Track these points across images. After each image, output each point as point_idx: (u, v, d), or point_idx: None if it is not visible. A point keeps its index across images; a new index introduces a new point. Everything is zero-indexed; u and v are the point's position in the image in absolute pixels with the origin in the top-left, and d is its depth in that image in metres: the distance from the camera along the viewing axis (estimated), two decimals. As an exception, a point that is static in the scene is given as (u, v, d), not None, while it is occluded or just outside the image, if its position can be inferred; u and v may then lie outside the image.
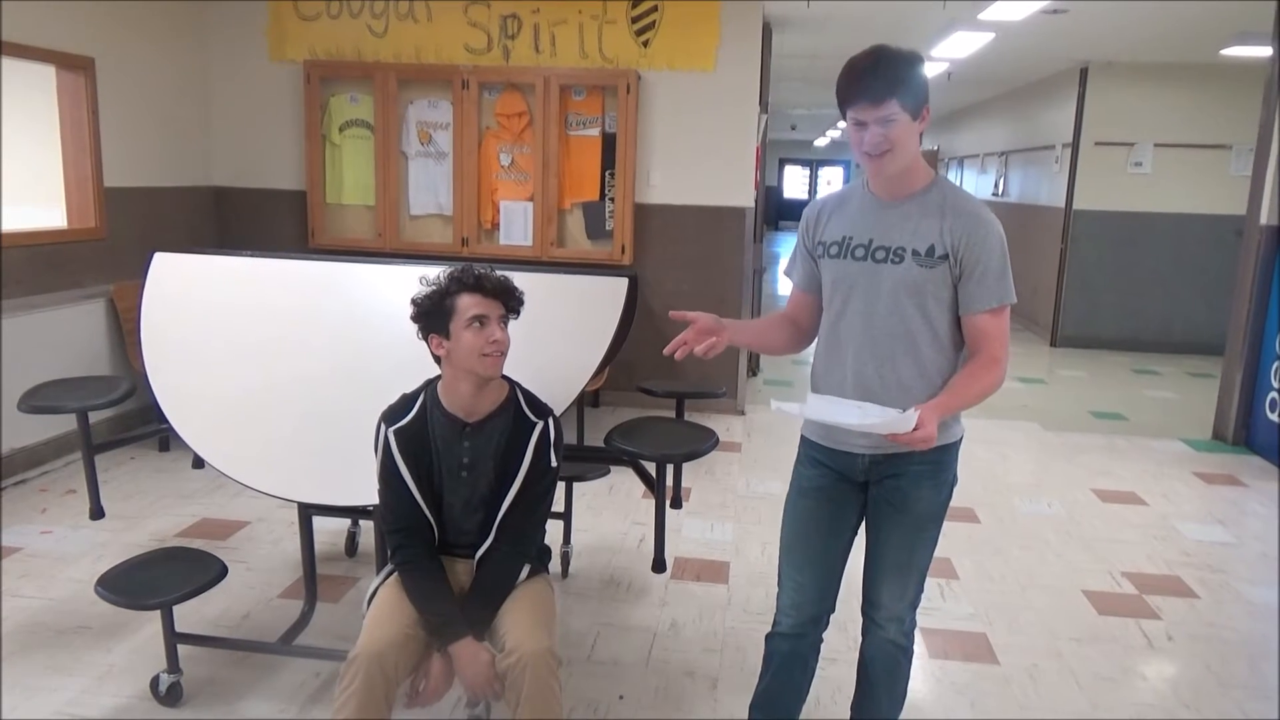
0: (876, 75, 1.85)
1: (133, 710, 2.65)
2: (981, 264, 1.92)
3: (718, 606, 3.38)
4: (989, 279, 1.93)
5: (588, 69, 5.67)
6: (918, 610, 2.19)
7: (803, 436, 2.21)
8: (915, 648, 2.23)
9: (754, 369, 7.12)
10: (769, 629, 2.28)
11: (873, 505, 2.12)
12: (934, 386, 1.97)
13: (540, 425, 2.26)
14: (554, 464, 2.28)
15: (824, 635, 2.26)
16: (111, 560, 3.14)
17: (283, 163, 6.00)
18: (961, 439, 2.10)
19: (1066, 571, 3.79)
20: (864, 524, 2.17)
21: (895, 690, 2.22)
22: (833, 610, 2.23)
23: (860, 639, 2.23)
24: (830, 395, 2.02)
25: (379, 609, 2.19)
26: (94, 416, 3.09)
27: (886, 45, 1.90)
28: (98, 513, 3.10)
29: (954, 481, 2.10)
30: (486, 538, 2.24)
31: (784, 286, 10.34)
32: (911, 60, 1.88)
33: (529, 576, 2.28)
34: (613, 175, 5.75)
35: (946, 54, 7.85)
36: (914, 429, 1.78)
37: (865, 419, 1.87)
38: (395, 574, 2.26)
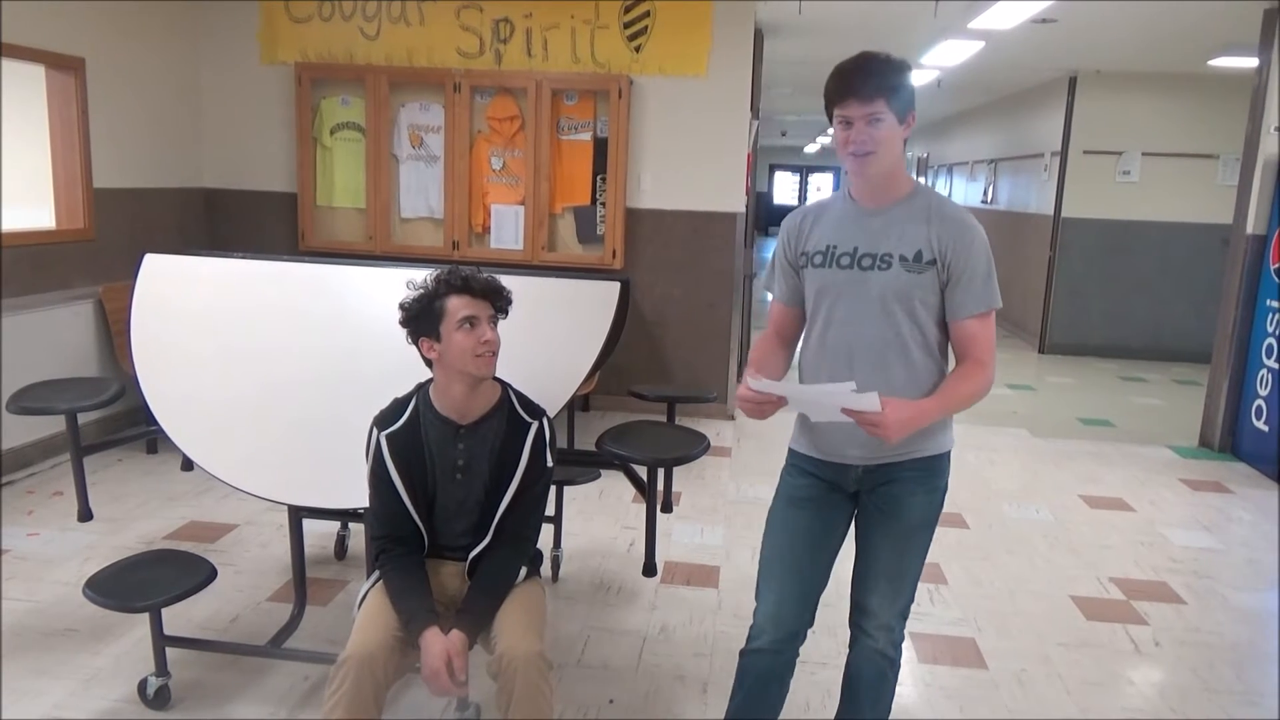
0: (867, 75, 1.88)
1: (120, 713, 2.63)
2: (969, 270, 1.94)
3: (708, 611, 3.38)
4: (976, 284, 1.95)
5: (580, 73, 5.68)
6: (907, 619, 2.18)
7: (790, 449, 2.18)
8: (904, 653, 2.22)
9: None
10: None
11: (863, 513, 2.11)
12: (924, 391, 1.98)
13: (535, 425, 2.26)
14: (550, 464, 2.29)
15: (800, 651, 2.18)
16: (99, 563, 3.14)
17: (274, 165, 5.99)
18: (951, 448, 2.10)
19: (1054, 577, 3.81)
20: (853, 532, 2.15)
21: (880, 704, 2.19)
22: (810, 626, 2.17)
23: (848, 648, 2.21)
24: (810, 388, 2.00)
25: (369, 612, 2.18)
26: (82, 418, 3.07)
27: (877, 51, 1.94)
28: (85, 515, 3.08)
29: (945, 489, 2.10)
30: (479, 539, 2.24)
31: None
32: (900, 66, 1.93)
33: (521, 580, 2.28)
34: (604, 179, 5.75)
35: (937, 62, 7.90)
36: (879, 418, 1.80)
37: (828, 396, 1.88)
38: (383, 577, 2.25)
